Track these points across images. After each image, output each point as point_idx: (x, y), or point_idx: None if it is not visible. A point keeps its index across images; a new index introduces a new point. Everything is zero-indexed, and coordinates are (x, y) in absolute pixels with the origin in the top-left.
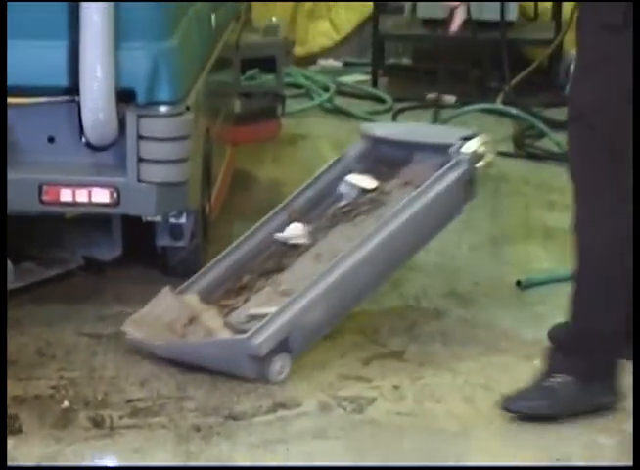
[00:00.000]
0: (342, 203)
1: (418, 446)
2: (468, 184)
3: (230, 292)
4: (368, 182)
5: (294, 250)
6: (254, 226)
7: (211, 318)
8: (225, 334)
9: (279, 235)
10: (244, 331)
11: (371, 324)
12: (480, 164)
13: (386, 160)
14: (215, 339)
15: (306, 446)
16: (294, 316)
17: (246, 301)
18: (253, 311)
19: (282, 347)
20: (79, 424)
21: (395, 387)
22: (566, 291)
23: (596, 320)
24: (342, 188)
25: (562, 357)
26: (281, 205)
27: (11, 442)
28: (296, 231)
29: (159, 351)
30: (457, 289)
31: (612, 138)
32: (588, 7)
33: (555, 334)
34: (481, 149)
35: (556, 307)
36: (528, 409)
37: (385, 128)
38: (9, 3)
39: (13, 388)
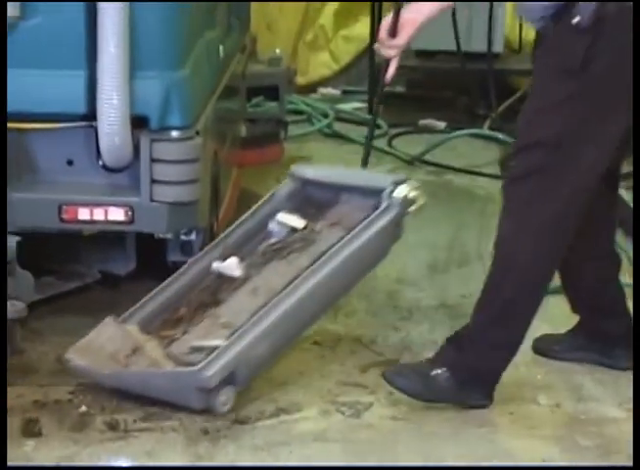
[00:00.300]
0: (273, 240)
1: (412, 449)
2: (396, 226)
3: (168, 323)
4: (297, 221)
5: (229, 283)
6: (190, 260)
7: (153, 349)
8: (168, 365)
9: (216, 265)
10: (187, 362)
11: (368, 334)
12: (413, 208)
13: (314, 200)
14: (164, 370)
15: (307, 448)
16: (241, 351)
17: (185, 332)
18: (196, 343)
19: (228, 380)
20: (96, 427)
21: (390, 393)
22: (545, 303)
23: (495, 323)
24: (273, 226)
25: (451, 353)
26: (216, 240)
27: (32, 443)
28: (231, 264)
29: (106, 380)
30: (447, 302)
31: (557, 174)
32: (546, 51)
33: (538, 344)
34: (412, 194)
35: (537, 320)
36: (405, 387)
37: (315, 170)
38: (30, 35)
39: (34, 393)
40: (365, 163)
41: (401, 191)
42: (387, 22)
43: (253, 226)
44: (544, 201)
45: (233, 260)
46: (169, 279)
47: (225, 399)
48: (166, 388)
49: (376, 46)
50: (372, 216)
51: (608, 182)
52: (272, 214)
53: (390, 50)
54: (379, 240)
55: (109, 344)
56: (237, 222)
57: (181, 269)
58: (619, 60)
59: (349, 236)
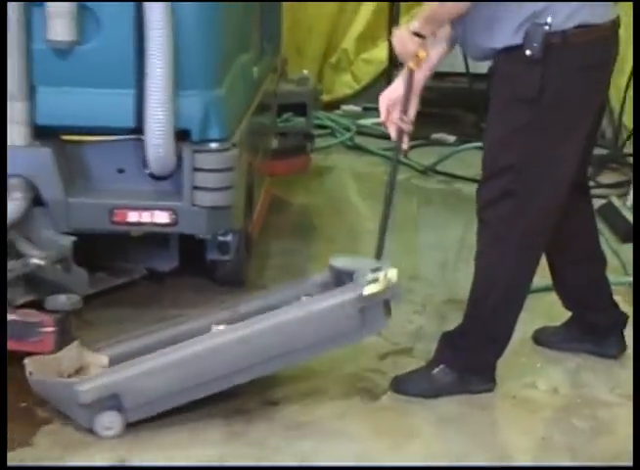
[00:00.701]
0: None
1: (425, 429)
2: (369, 314)
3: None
4: None
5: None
6: (192, 315)
7: (96, 369)
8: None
9: (214, 328)
10: None
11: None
12: (369, 291)
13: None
14: (53, 380)
15: (331, 427)
16: (125, 377)
17: None
18: None
19: (112, 403)
20: None
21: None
22: (542, 299)
23: (485, 325)
24: None
25: (447, 350)
26: (228, 303)
27: None
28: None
29: (36, 386)
30: (456, 297)
31: (527, 194)
32: (501, 82)
33: (537, 335)
34: (382, 281)
35: (536, 314)
36: (413, 391)
37: (345, 260)
38: (86, 57)
39: None
40: (379, 252)
41: (371, 275)
42: (389, 99)
43: (274, 302)
44: (517, 218)
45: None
46: (160, 325)
47: (109, 422)
48: (60, 399)
49: (387, 123)
50: (328, 293)
51: (578, 190)
52: (298, 297)
53: (406, 125)
54: (331, 317)
55: (63, 362)
56: (261, 294)
57: (179, 319)
58: (569, 84)
59: (294, 304)
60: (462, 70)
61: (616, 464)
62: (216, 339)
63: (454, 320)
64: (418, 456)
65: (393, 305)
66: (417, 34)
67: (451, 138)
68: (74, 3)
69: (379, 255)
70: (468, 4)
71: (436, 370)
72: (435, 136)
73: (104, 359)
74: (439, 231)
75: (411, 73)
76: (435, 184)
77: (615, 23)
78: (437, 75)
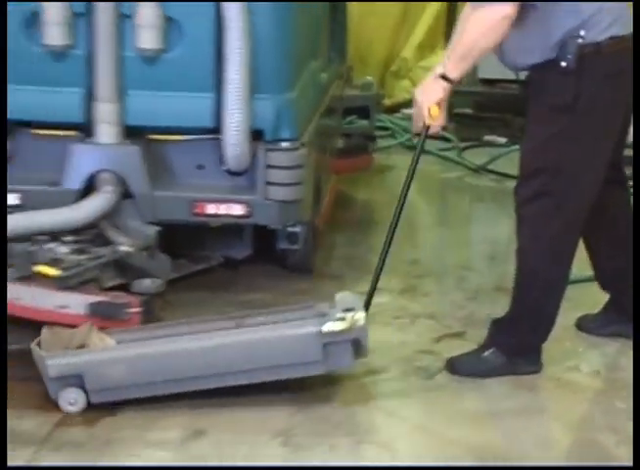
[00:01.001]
0: None
1: (475, 405)
2: (333, 350)
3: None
4: None
5: None
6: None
7: (95, 345)
8: None
9: None
10: None
11: (440, 312)
12: (328, 328)
13: None
14: (33, 347)
15: (390, 403)
16: (89, 360)
17: None
18: None
19: (75, 381)
20: None
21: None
22: (584, 290)
23: (530, 313)
24: None
25: (497, 335)
26: (236, 314)
27: None
28: None
29: (33, 354)
30: (504, 285)
31: (561, 194)
32: (538, 92)
33: (579, 322)
34: (347, 321)
35: (578, 303)
36: (466, 372)
37: (345, 296)
38: (171, 64)
39: None
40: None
41: (338, 313)
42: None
43: (274, 318)
44: (552, 216)
45: None
46: (173, 321)
47: (73, 398)
48: (40, 369)
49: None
50: (293, 323)
51: (614, 181)
52: (299, 319)
53: (435, 129)
54: (285, 343)
55: (72, 336)
56: (269, 310)
57: (193, 319)
58: (601, 91)
59: (261, 327)
60: (512, 77)
61: (616, 464)
62: (186, 343)
63: (503, 307)
64: (470, 431)
65: (448, 292)
66: (444, 78)
67: (502, 140)
68: (161, 15)
69: (370, 297)
70: (504, 32)
71: (487, 353)
72: (487, 138)
73: (110, 342)
74: (490, 226)
75: (427, 128)
76: (487, 182)
77: (632, 33)
78: (489, 82)
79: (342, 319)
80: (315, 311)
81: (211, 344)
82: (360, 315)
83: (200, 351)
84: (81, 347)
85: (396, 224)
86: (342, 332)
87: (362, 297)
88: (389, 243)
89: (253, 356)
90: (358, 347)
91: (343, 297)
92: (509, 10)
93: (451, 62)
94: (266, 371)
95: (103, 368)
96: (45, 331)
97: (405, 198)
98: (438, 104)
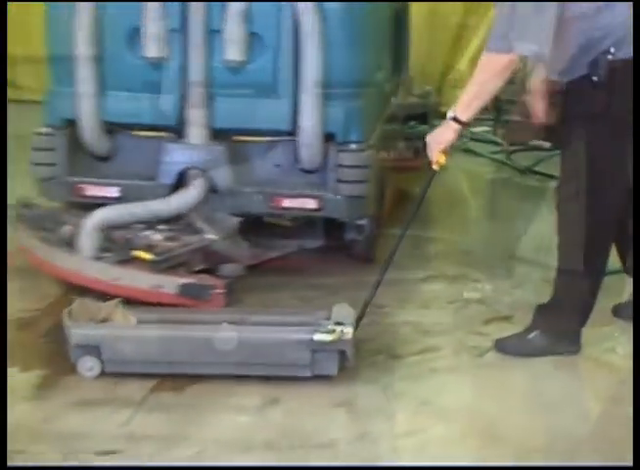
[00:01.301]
0: None
1: (519, 382)
2: (320, 357)
3: None
4: None
5: None
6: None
7: (119, 320)
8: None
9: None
10: None
11: (490, 297)
12: (318, 338)
13: None
14: (65, 319)
15: (441, 379)
16: (106, 334)
17: None
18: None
19: (93, 352)
20: None
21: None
22: (619, 280)
23: (571, 300)
24: None
25: (541, 319)
26: (245, 310)
27: None
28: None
29: (63, 323)
30: (548, 274)
31: (596, 194)
32: (574, 101)
33: (615, 309)
34: (335, 334)
35: (614, 291)
36: (513, 351)
37: (341, 308)
38: (252, 74)
39: None
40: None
41: (328, 327)
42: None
43: (277, 319)
44: (590, 212)
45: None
46: (193, 309)
47: (89, 366)
48: (66, 336)
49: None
50: (287, 328)
51: None
52: (301, 323)
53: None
54: (278, 344)
55: (102, 311)
56: (276, 309)
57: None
58: (628, 99)
59: (261, 327)
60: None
61: (615, 464)
62: (191, 332)
63: (547, 294)
64: (515, 404)
65: (497, 280)
66: (456, 120)
67: (546, 144)
68: (245, 30)
69: (362, 312)
70: (509, 75)
71: (532, 335)
72: (534, 143)
73: (132, 320)
74: (535, 221)
75: (433, 175)
76: (532, 182)
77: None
78: None
79: (333, 331)
80: (314, 319)
81: (213, 336)
82: (348, 330)
83: (203, 340)
84: (105, 321)
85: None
86: (329, 342)
87: (371, 301)
88: (386, 268)
89: (249, 353)
90: (343, 356)
91: (340, 309)
92: (514, 57)
93: (462, 105)
94: (258, 367)
95: (116, 343)
96: (76, 302)
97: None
98: (445, 151)
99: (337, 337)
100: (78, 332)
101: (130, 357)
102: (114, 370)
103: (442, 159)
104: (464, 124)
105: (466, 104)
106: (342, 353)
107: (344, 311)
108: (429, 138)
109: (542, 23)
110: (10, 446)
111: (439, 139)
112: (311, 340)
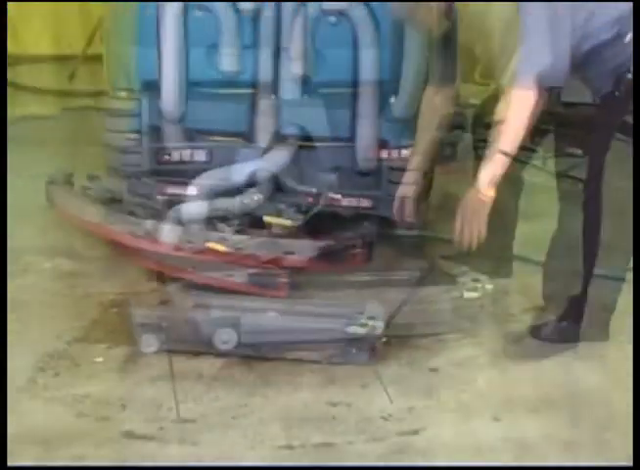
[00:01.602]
0: None
1: (547, 366)
2: (353, 346)
3: None
4: None
5: None
6: None
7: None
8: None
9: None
10: None
11: (526, 288)
12: (353, 330)
13: None
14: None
15: (482, 359)
16: (163, 315)
17: None
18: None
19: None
20: None
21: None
22: None
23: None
24: None
25: (572, 309)
26: (286, 300)
27: None
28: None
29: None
30: (579, 268)
31: None
32: (601, 112)
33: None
34: (368, 327)
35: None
36: (545, 338)
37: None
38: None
39: None
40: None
41: (361, 320)
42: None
43: (319, 310)
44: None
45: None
46: (242, 296)
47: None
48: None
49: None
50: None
51: None
52: (342, 316)
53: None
54: (317, 332)
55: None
56: (307, 300)
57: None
58: None
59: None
60: (588, 100)
61: (615, 464)
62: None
63: (577, 287)
64: (549, 383)
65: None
66: (504, 153)
67: (578, 151)
68: (308, 48)
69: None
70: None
71: (564, 323)
72: (567, 150)
73: (189, 303)
74: (566, 222)
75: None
76: (567, 186)
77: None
78: (570, 104)
79: (365, 325)
80: (353, 312)
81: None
82: (379, 325)
83: (247, 325)
84: (165, 302)
85: None
86: (361, 334)
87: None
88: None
89: (289, 337)
90: (372, 349)
91: (373, 306)
92: (537, 92)
93: (507, 141)
94: (293, 352)
95: (171, 323)
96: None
97: None
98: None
99: (369, 330)
100: (139, 312)
101: (182, 337)
102: (172, 348)
103: (492, 192)
104: (510, 156)
105: (511, 140)
106: (373, 347)
107: (377, 310)
108: (463, 210)
109: (555, 40)
110: (96, 414)
111: (479, 218)
112: (346, 331)
